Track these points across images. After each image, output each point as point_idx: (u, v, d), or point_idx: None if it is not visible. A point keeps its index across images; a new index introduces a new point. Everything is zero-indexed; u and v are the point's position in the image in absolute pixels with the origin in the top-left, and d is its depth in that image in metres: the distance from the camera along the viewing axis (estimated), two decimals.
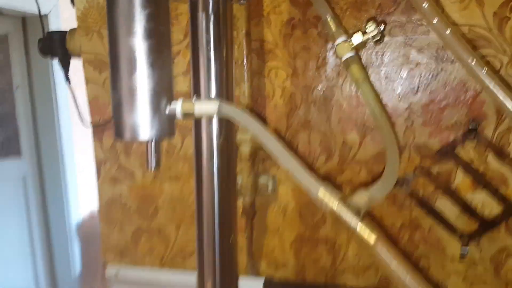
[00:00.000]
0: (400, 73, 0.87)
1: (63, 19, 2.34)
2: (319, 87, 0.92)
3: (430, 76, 0.86)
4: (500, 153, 0.85)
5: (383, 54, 0.87)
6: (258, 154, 0.97)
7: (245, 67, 0.91)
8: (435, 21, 0.61)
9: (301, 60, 0.92)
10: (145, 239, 1.08)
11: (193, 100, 0.50)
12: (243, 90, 0.91)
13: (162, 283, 1.04)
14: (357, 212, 0.44)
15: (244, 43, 0.90)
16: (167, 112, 0.51)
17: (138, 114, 0.49)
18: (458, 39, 0.56)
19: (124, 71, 0.49)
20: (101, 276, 2.80)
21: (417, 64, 0.86)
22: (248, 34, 0.90)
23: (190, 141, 1.00)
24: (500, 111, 0.84)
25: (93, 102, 1.05)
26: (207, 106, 0.50)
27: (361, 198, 0.46)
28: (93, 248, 2.89)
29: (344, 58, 0.65)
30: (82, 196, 2.78)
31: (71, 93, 1.05)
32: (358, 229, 0.43)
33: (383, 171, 0.56)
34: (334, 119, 0.92)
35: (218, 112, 0.49)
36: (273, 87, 0.94)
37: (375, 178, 0.92)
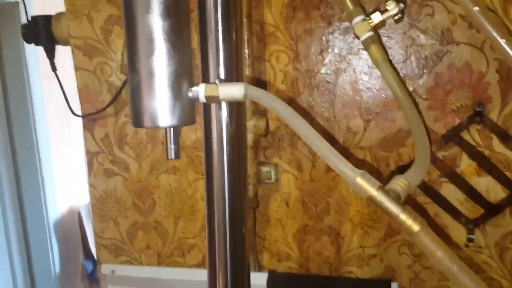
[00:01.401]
0: (405, 55, 0.85)
1: (35, 6, 2.23)
2: (323, 71, 0.89)
3: (435, 58, 0.85)
4: (505, 137, 0.85)
5: (388, 36, 0.85)
6: (260, 142, 0.93)
7: (245, 51, 0.87)
8: None
9: (304, 43, 0.89)
10: (141, 235, 1.03)
11: (217, 82, 0.47)
12: (244, 75, 0.87)
13: (160, 281, 1.00)
14: (397, 199, 0.42)
15: (245, 26, 0.86)
16: (189, 95, 0.47)
17: (158, 99, 0.46)
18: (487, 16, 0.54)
19: (142, 52, 0.45)
20: (81, 276, 2.73)
21: (422, 46, 0.85)
22: (248, 16, 0.86)
23: (188, 131, 0.96)
24: (506, 94, 0.83)
25: (83, 90, 0.99)
26: (233, 89, 0.46)
27: (399, 184, 0.43)
28: (72, 246, 2.80)
29: (363, 38, 0.62)
30: (60, 192, 2.69)
31: (59, 81, 0.99)
32: (400, 217, 0.41)
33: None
34: (338, 104, 0.90)
35: (245, 95, 0.46)
36: (275, 71, 0.91)
37: (380, 165, 0.90)
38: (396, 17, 0.64)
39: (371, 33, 0.61)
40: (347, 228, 0.94)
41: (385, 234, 0.92)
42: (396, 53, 0.85)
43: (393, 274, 0.93)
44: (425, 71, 0.85)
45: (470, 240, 0.88)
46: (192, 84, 0.48)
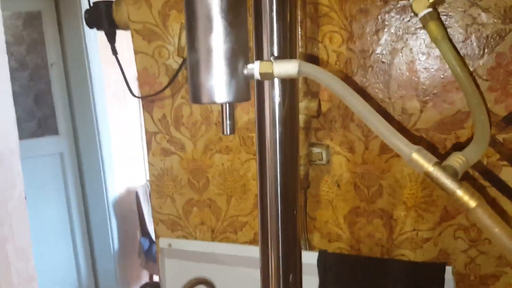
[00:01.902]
0: (465, 34, 0.82)
1: None
2: (378, 51, 0.88)
3: (498, 37, 0.81)
4: None
5: (447, 15, 0.82)
6: (312, 124, 0.94)
7: (299, 32, 0.87)
8: None
9: (358, 23, 0.88)
10: (196, 212, 1.07)
11: (272, 59, 0.48)
12: (297, 54, 0.88)
13: (214, 256, 1.04)
14: (454, 174, 0.41)
15: (299, 6, 0.86)
16: (244, 72, 0.49)
17: (215, 75, 0.47)
18: None
19: (201, 31, 0.47)
20: (138, 253, 2.86)
21: (483, 24, 0.81)
22: None
23: (240, 112, 0.98)
24: None
25: (142, 73, 1.03)
26: (287, 65, 0.47)
27: (457, 160, 0.43)
28: (130, 224, 2.94)
29: (421, 15, 0.61)
30: (119, 172, 2.82)
31: (119, 64, 1.04)
32: (457, 192, 0.40)
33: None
34: (393, 85, 0.88)
35: (299, 72, 0.47)
36: (328, 52, 0.91)
37: (436, 148, 0.88)
38: None
39: (429, 10, 0.60)
40: (400, 211, 0.93)
41: (440, 218, 0.90)
42: (455, 32, 0.82)
43: (447, 258, 0.91)
44: (486, 51, 0.82)
45: None
46: (247, 62, 0.50)
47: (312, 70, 0.47)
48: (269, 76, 0.48)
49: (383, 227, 0.95)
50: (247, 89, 0.51)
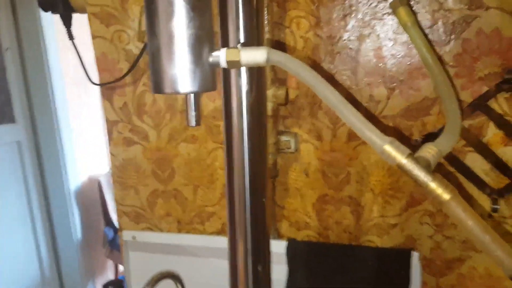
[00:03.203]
0: (432, 20, 0.82)
1: None
2: (345, 37, 0.86)
3: (463, 24, 0.81)
4: None
5: (414, 0, 0.81)
6: (280, 111, 0.92)
7: (265, 17, 0.85)
8: None
9: (326, 8, 0.86)
10: (161, 203, 1.04)
11: (239, 46, 0.45)
12: (264, 43, 0.85)
13: (180, 248, 1.02)
14: (427, 166, 0.40)
15: None
16: (209, 60, 0.46)
17: (178, 63, 0.44)
18: None
19: (162, 15, 0.43)
20: (103, 243, 2.80)
21: (450, 10, 0.81)
22: None
23: (206, 100, 0.95)
24: None
25: (101, 59, 0.98)
26: (255, 53, 0.45)
27: (430, 151, 0.42)
28: (93, 214, 2.86)
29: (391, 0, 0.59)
30: (80, 161, 2.73)
31: (76, 50, 0.98)
32: (430, 185, 0.40)
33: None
34: (361, 72, 0.87)
35: (267, 60, 0.44)
36: (295, 38, 0.88)
37: (404, 134, 0.88)
38: None
39: None
40: (368, 198, 0.93)
41: (406, 204, 0.91)
42: (422, 18, 0.81)
43: (414, 243, 0.92)
44: (452, 37, 0.82)
45: (494, 210, 0.86)
46: (213, 49, 0.47)
47: (281, 58, 0.44)
48: (236, 64, 0.45)
49: (350, 214, 0.95)
50: (212, 78, 0.48)
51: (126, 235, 1.04)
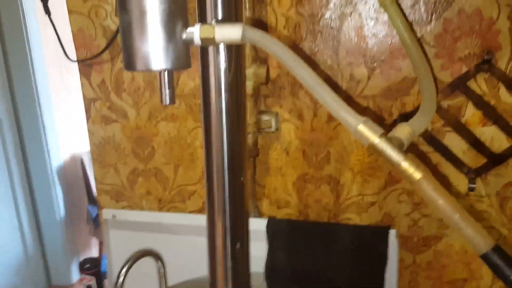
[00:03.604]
0: (414, 0, 0.81)
1: None
2: (327, 16, 0.85)
3: (445, 3, 0.81)
4: None
5: None
6: (261, 90, 0.91)
7: None
8: None
9: None
10: (142, 181, 1.03)
11: (213, 23, 0.44)
12: (244, 19, 0.83)
13: (161, 226, 1.02)
14: (400, 146, 0.41)
15: None
16: (183, 37, 0.45)
17: (150, 40, 0.43)
18: None
19: None
20: (86, 220, 2.79)
21: None
22: None
23: (186, 79, 0.94)
24: None
25: (78, 35, 0.96)
26: (230, 30, 0.44)
27: (403, 131, 0.42)
28: (76, 191, 2.84)
29: None
30: (62, 138, 2.69)
31: (52, 25, 0.96)
32: (402, 165, 0.40)
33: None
34: (342, 51, 0.87)
35: (243, 37, 0.44)
36: (276, 16, 0.87)
37: (383, 114, 0.88)
38: None
39: None
40: (347, 176, 0.94)
41: (385, 183, 0.92)
42: None
43: (392, 221, 0.94)
44: (433, 16, 0.81)
45: (471, 189, 0.88)
46: (187, 25, 0.46)
47: (257, 36, 0.44)
48: (210, 41, 0.45)
49: (330, 193, 0.96)
50: (186, 55, 0.47)
51: (106, 213, 1.04)
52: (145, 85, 0.96)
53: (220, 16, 0.55)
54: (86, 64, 0.97)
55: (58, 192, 2.72)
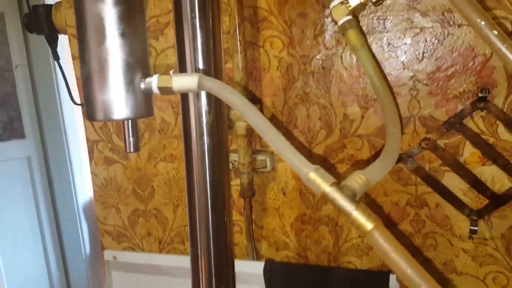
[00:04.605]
0: (404, 39, 0.81)
1: None
2: (318, 57, 0.86)
3: (436, 42, 0.80)
4: (511, 123, 0.79)
5: (385, 19, 0.81)
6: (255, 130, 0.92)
7: (238, 37, 0.85)
8: None
9: (298, 28, 0.86)
10: (142, 222, 1.04)
11: (171, 73, 0.45)
12: (236, 62, 0.85)
13: (161, 269, 1.01)
14: (352, 196, 0.40)
15: (236, 10, 0.84)
16: (142, 87, 0.46)
17: (110, 90, 0.44)
18: None
19: (92, 41, 0.44)
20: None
21: (422, 28, 0.80)
22: (240, 1, 0.84)
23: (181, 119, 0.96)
24: None
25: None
26: (186, 79, 0.45)
27: (357, 180, 0.41)
28: None
29: (340, 22, 0.59)
30: (88, 175, 2.76)
31: (61, 70, 1.01)
32: (352, 214, 0.39)
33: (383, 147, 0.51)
34: (334, 91, 0.86)
35: (198, 86, 0.44)
36: (269, 58, 0.88)
37: (378, 153, 0.87)
38: (374, 0, 0.60)
39: (348, 17, 0.58)
40: (345, 217, 0.91)
41: (384, 225, 0.89)
42: (394, 36, 0.81)
43: None
44: (425, 55, 0.81)
45: (473, 232, 0.84)
46: (147, 74, 0.47)
47: (213, 85, 0.44)
48: (168, 90, 0.46)
49: (329, 234, 0.94)
50: (147, 104, 0.48)
51: (108, 254, 1.04)
52: (144, 126, 0.98)
53: (201, 66, 0.57)
54: None
55: (84, 227, 2.77)
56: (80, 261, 2.78)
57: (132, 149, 0.49)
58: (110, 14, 0.43)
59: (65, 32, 1.00)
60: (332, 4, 0.58)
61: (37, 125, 2.58)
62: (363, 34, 0.62)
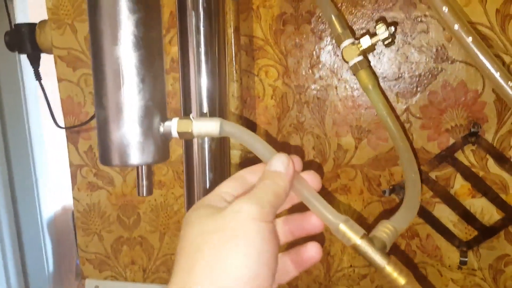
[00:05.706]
0: (398, 73, 0.82)
1: (31, 5, 2.19)
2: (313, 87, 0.86)
3: (430, 76, 0.82)
4: (501, 158, 0.82)
5: (379, 53, 0.82)
6: (248, 159, 0.91)
7: (234, 66, 0.84)
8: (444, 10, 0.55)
9: (294, 58, 0.86)
10: (126, 250, 1.01)
11: (191, 117, 0.44)
12: (232, 90, 0.84)
13: None
14: (383, 248, 0.39)
15: (233, 39, 0.83)
16: (161, 131, 0.44)
17: (128, 135, 0.42)
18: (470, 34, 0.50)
19: (110, 86, 0.41)
20: (75, 275, 2.72)
21: (416, 63, 0.82)
22: (236, 30, 0.83)
23: (174, 146, 0.93)
24: (502, 113, 0.80)
25: (66, 102, 0.96)
26: (207, 125, 0.43)
27: (385, 231, 0.41)
28: (66, 245, 2.78)
29: (352, 63, 0.59)
30: (54, 190, 2.67)
31: (43, 91, 0.96)
32: (386, 269, 0.38)
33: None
34: (329, 121, 0.87)
35: (220, 131, 0.43)
36: (264, 86, 0.88)
37: (371, 184, 0.87)
38: (386, 42, 0.61)
39: (360, 58, 0.58)
40: (337, 247, 0.92)
41: None
42: (388, 70, 0.82)
43: None
44: (419, 89, 0.82)
45: (463, 263, 0.85)
46: (165, 118, 0.45)
47: (234, 130, 0.43)
48: (188, 135, 0.44)
49: (320, 264, 0.93)
50: (165, 148, 0.47)
51: (89, 284, 1.00)
52: None
53: (205, 109, 0.56)
54: (73, 131, 0.97)
55: (48, 245, 2.66)
56: (43, 279, 2.67)
57: (145, 193, 0.47)
58: (130, 59, 0.41)
59: (50, 52, 0.96)
60: (343, 45, 0.58)
61: (1, 136, 2.48)
62: (374, 74, 0.62)
